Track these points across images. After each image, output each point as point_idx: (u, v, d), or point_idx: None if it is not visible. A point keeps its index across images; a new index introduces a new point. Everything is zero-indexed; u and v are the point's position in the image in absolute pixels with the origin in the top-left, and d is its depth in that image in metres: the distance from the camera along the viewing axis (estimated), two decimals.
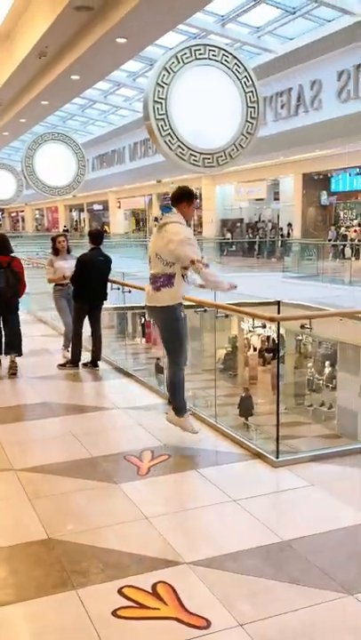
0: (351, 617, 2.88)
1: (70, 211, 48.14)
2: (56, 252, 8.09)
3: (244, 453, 4.85)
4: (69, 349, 7.78)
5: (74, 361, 7.55)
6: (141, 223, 39.28)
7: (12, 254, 7.46)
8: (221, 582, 3.13)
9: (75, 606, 2.97)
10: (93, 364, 7.58)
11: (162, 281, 4.70)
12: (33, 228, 53.66)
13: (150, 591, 3.07)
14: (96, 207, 43.47)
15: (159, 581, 3.14)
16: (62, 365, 7.62)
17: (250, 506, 3.93)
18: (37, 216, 55.36)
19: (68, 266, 7.84)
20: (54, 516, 3.90)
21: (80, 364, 7.59)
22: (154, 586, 3.10)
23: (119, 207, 39.49)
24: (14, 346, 7.53)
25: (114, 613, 2.90)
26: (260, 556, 3.38)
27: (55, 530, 3.71)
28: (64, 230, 46.30)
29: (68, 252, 8.15)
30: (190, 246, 4.56)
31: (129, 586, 3.11)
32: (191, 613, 2.89)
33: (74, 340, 7.56)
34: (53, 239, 8.21)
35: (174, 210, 4.74)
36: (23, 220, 56.22)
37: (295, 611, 2.91)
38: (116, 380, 7.23)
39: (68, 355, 7.77)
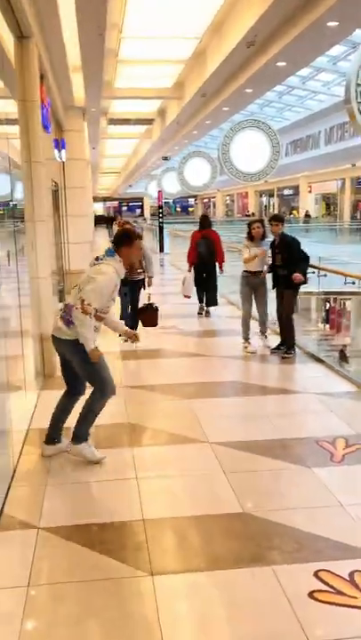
0: None
1: (260, 196, 48.09)
2: (251, 237, 7.66)
3: None
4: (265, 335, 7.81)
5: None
6: (332, 207, 38.08)
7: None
8: None
9: (271, 582, 2.98)
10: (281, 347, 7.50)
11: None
12: (223, 213, 54.49)
13: (348, 579, 2.98)
14: (286, 192, 42.97)
15: (357, 570, 3.04)
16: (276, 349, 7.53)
17: None
18: (228, 202, 56.10)
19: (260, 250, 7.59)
20: (248, 492, 3.93)
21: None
22: (351, 574, 3.01)
23: (310, 191, 38.63)
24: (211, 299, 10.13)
25: (310, 595, 2.86)
26: None
27: (250, 505, 3.74)
28: (246, 215, 46.72)
29: (263, 238, 7.63)
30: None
31: (325, 570, 3.05)
32: None
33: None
34: (249, 224, 7.84)
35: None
36: (214, 206, 57.31)
37: None
38: (305, 365, 7.09)
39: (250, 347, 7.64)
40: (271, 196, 46.21)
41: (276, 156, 17.98)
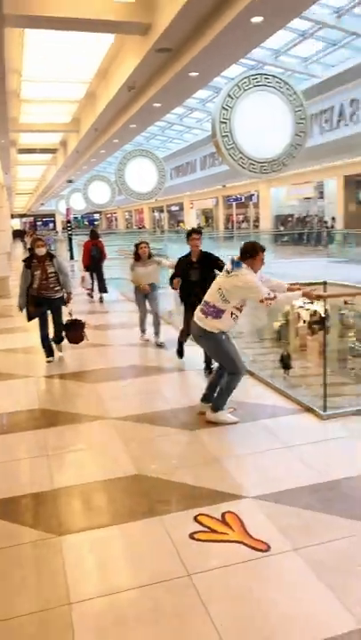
0: None
1: (153, 211, 48.23)
2: (137, 257, 7.13)
3: (297, 408, 4.71)
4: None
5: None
6: (210, 220, 38.87)
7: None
8: (279, 514, 3.05)
9: (159, 530, 2.97)
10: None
11: (211, 310, 4.26)
12: (124, 225, 54.22)
13: (220, 519, 3.03)
14: (173, 208, 43.33)
15: (227, 511, 3.10)
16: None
17: (302, 451, 3.82)
18: (127, 216, 55.80)
19: (146, 272, 7.11)
20: (142, 456, 3.88)
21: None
22: (223, 515, 3.06)
23: (192, 207, 39.19)
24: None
25: (191, 536, 2.89)
26: (312, 492, 3.27)
27: (143, 467, 3.71)
28: (139, 227, 46.64)
29: (149, 257, 7.12)
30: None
31: (203, 514, 3.08)
32: (254, 538, 2.84)
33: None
34: (136, 245, 7.21)
35: (243, 265, 4.17)
36: (116, 220, 56.85)
37: (342, 538, 2.80)
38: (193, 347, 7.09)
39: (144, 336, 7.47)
40: (162, 211, 46.42)
41: (163, 179, 18.01)
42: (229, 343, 4.40)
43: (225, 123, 8.38)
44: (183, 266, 5.80)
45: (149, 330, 7.44)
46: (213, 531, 2.93)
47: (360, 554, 2.70)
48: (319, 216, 25.95)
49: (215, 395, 4.53)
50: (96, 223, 59.45)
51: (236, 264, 4.18)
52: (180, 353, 6.37)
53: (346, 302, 5.43)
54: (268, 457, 3.81)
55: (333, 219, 23.52)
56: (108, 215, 58.36)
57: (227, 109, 8.33)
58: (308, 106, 8.79)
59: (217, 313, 4.24)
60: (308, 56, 14.57)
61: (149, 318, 7.48)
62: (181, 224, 40.31)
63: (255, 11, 7.49)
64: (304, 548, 2.74)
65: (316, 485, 3.34)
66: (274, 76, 8.47)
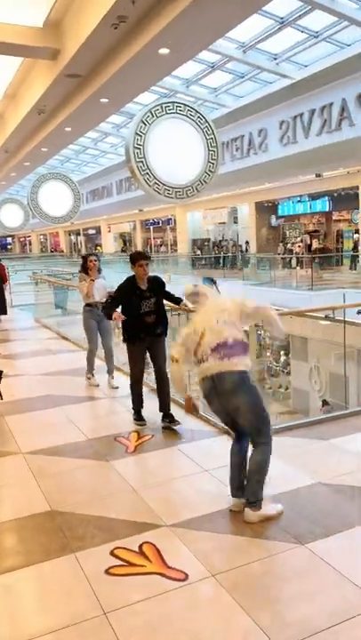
0: (301, 563, 2.83)
1: (69, 235, 47.68)
2: (86, 270, 6.36)
3: (214, 430, 4.75)
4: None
5: None
6: (128, 243, 39.06)
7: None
8: (197, 540, 3.05)
9: (74, 567, 2.87)
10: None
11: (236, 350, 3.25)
12: (38, 249, 53.10)
13: (137, 551, 2.97)
14: (90, 231, 43.12)
15: (144, 542, 3.04)
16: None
17: (219, 474, 3.83)
18: (42, 240, 54.78)
19: (97, 286, 6.31)
20: (55, 491, 3.75)
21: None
22: (140, 546, 3.01)
23: (109, 231, 39.23)
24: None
25: (106, 571, 2.81)
26: (228, 516, 3.30)
27: (56, 502, 3.58)
28: (52, 251, 45.84)
29: (99, 271, 6.38)
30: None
31: (120, 547, 3.01)
32: (172, 568, 2.81)
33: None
34: (85, 257, 6.42)
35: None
36: (30, 244, 55.55)
37: (258, 560, 2.84)
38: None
39: (93, 381, 6.47)
40: (78, 234, 46.03)
41: (78, 203, 17.93)
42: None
43: (139, 149, 8.54)
44: (129, 295, 4.82)
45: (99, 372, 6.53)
46: (131, 564, 2.87)
47: (274, 575, 2.75)
48: (234, 240, 26.91)
49: (246, 482, 3.32)
50: (9, 247, 57.88)
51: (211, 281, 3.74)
52: (139, 413, 5.04)
53: (256, 325, 5.61)
54: (185, 482, 3.81)
55: (247, 242, 24.48)
56: (22, 239, 56.92)
57: (140, 135, 8.52)
58: (220, 134, 9.16)
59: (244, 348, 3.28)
60: (217, 86, 15.23)
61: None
62: (99, 247, 40.16)
63: (161, 43, 7.76)
64: (221, 574, 2.75)
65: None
66: (185, 105, 8.80)
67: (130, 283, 4.86)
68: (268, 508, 3.24)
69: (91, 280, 6.25)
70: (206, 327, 3.28)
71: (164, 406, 4.95)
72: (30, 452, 4.47)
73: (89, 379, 6.47)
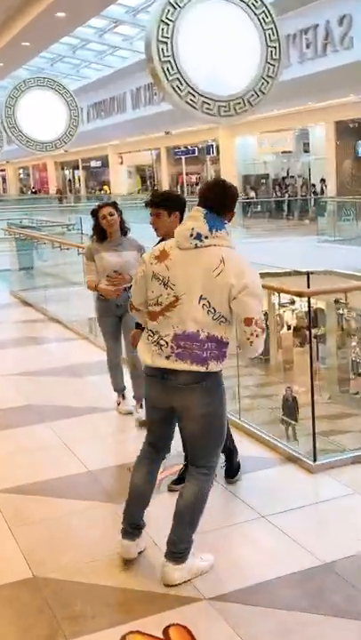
0: None
1: (62, 169, 48.02)
2: (101, 233, 5.45)
3: (276, 457, 4.75)
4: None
5: None
6: (149, 181, 39.08)
7: None
8: (248, 619, 3.01)
9: None
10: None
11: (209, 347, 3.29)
12: (17, 189, 53.59)
13: (162, 637, 2.91)
14: (93, 164, 43.32)
15: (172, 624, 2.98)
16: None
17: (282, 523, 3.83)
18: (22, 176, 55.27)
19: (119, 262, 5.37)
20: (39, 548, 3.68)
21: None
22: (166, 629, 2.94)
23: (121, 163, 39.32)
24: None
25: None
26: (294, 584, 3.28)
27: (41, 565, 3.50)
28: (34, 191, 45.93)
29: (124, 233, 5.51)
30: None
31: (135, 632, 2.94)
32: None
33: None
34: (95, 211, 5.46)
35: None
36: (4, 181, 56.14)
37: None
38: None
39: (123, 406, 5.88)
40: (76, 168, 46.31)
41: (76, 121, 18.04)
42: None
43: (165, 43, 8.51)
44: None
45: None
46: None
47: None
48: (304, 177, 26.63)
49: (174, 528, 3.33)
50: None
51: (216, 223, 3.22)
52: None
53: (337, 301, 5.58)
54: (233, 535, 3.79)
55: (323, 180, 24.23)
56: None
57: (167, 24, 8.47)
58: (283, 22, 9.03)
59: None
60: None
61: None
62: (105, 187, 40.36)
63: None
64: None
65: (300, 573, 3.33)
66: None
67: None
68: (198, 564, 3.33)
69: (113, 285, 5.38)
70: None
71: None
72: (3, 491, 4.43)
73: (118, 404, 5.92)
